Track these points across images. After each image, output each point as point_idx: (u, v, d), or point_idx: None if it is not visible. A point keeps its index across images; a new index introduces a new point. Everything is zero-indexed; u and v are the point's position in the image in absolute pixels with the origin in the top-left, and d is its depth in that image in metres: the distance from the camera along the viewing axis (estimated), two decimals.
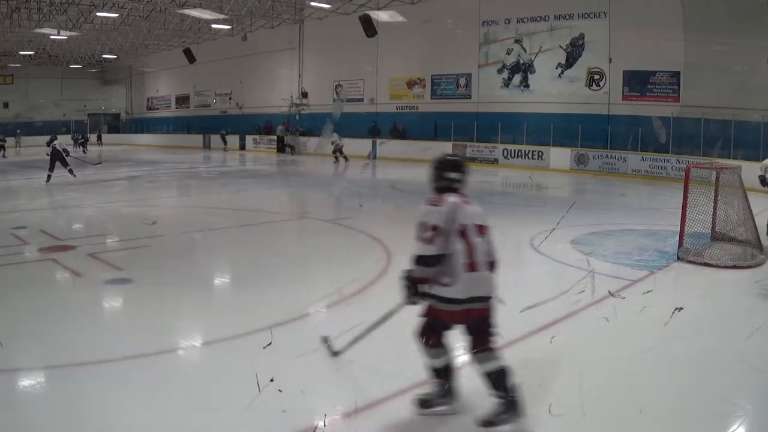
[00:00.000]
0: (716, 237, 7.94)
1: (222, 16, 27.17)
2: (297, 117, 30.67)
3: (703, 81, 17.81)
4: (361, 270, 6.76)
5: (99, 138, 38.41)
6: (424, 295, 3.41)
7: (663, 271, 7.00)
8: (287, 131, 30.20)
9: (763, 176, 9.60)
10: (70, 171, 15.95)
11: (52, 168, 15.55)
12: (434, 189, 3.46)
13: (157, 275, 6.80)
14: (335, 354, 3.99)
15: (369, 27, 24.29)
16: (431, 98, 25.91)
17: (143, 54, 38.09)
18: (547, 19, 21.92)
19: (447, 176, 3.44)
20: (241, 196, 15.03)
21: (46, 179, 15.38)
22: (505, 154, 22.30)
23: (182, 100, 39.79)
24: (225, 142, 33.39)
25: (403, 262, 7.26)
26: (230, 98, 35.65)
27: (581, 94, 21.16)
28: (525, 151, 21.78)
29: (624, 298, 5.75)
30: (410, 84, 26.65)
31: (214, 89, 36.58)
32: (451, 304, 3.29)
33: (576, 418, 3.43)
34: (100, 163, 20.99)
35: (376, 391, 3.73)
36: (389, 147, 25.51)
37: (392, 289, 6.22)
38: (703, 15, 17.65)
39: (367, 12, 24.67)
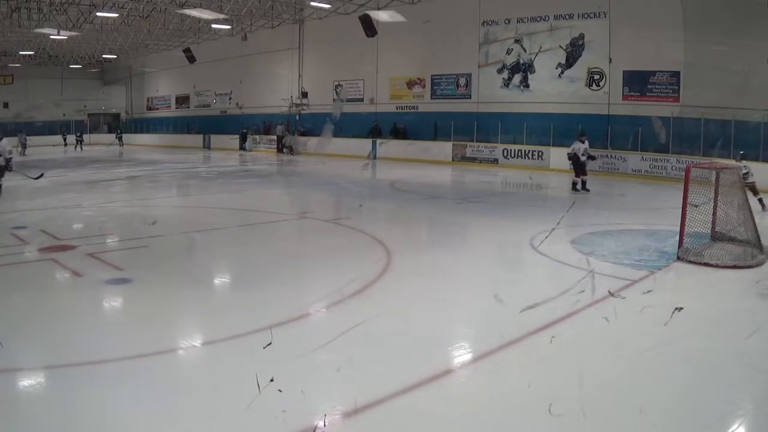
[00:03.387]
0: (716, 237, 7.94)
1: (222, 16, 27.17)
2: (297, 117, 30.68)
3: (703, 81, 17.81)
4: (361, 270, 6.77)
5: (119, 138, 37.51)
6: None
7: (663, 271, 7.00)
8: (287, 131, 30.20)
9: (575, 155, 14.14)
10: None
11: None
12: None
13: (157, 275, 6.80)
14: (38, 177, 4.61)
15: (369, 27, 24.29)
16: (431, 98, 25.90)
17: (143, 54, 38.10)
18: (547, 19, 21.92)
19: None
20: (241, 196, 15.03)
21: None
22: (505, 154, 22.30)
23: (182, 100, 39.79)
24: (245, 140, 32.64)
25: (403, 262, 7.32)
26: (230, 98, 35.65)
27: (581, 94, 21.16)
28: (525, 151, 21.78)
29: (624, 298, 5.75)
30: (410, 84, 26.64)
31: (214, 89, 36.58)
32: None
33: (576, 418, 3.43)
34: (40, 177, 14.88)
35: (376, 391, 3.72)
36: (389, 147, 25.52)
37: (392, 289, 6.27)
38: (703, 15, 17.65)
39: (367, 12, 24.67)
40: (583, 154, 14.30)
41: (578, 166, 14.37)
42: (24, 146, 31.04)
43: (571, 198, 13.61)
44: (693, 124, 17.93)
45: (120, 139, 37.64)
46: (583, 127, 20.20)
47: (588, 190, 14.38)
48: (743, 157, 12.32)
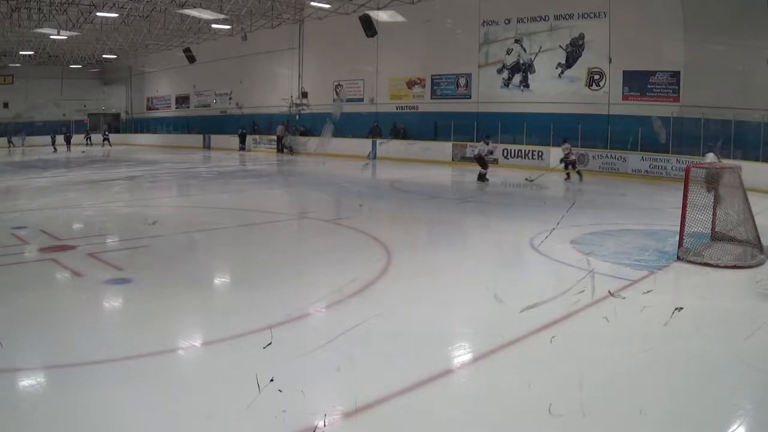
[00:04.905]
0: (716, 237, 7.94)
1: (222, 16, 27.16)
2: (297, 117, 30.67)
3: (703, 81, 17.81)
4: (361, 270, 6.76)
5: (89, 138, 37.04)
6: None
7: (663, 271, 7.00)
8: (287, 131, 30.20)
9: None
10: None
11: None
12: None
13: (157, 275, 6.80)
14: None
15: (369, 27, 24.30)
16: (431, 98, 25.90)
17: (143, 54, 38.07)
18: (547, 19, 21.92)
19: None
20: (241, 196, 15.03)
21: None
22: (505, 154, 22.29)
23: (182, 100, 39.79)
24: (244, 141, 32.72)
25: (403, 262, 7.32)
26: (230, 98, 35.65)
27: (581, 94, 21.16)
28: (525, 151, 21.78)
29: (624, 298, 5.75)
30: (410, 84, 26.64)
31: (214, 89, 36.57)
32: None
33: (576, 418, 3.43)
34: None
35: (376, 391, 3.72)
36: (389, 147, 25.52)
37: (392, 289, 6.27)
38: (703, 15, 17.65)
39: (367, 12, 24.67)
40: (485, 154, 17.18)
41: (482, 162, 17.13)
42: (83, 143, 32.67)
43: (571, 198, 13.62)
44: (693, 124, 17.93)
45: (105, 140, 36.40)
46: (583, 127, 20.41)
47: (487, 180, 17.07)
48: (565, 140, 18.25)
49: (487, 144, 17.50)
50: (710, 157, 14.31)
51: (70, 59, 38.67)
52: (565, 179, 17.94)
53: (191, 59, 33.02)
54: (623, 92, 20.26)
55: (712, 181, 10.39)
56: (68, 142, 33.49)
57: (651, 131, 18.76)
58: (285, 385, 3.61)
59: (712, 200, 7.86)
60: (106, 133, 37.17)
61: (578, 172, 17.85)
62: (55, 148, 32.67)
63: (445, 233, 10.07)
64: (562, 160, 18.10)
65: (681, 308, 5.18)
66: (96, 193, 14.45)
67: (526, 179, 17.28)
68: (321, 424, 3.28)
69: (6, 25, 27.03)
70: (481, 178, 17.09)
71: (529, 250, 8.21)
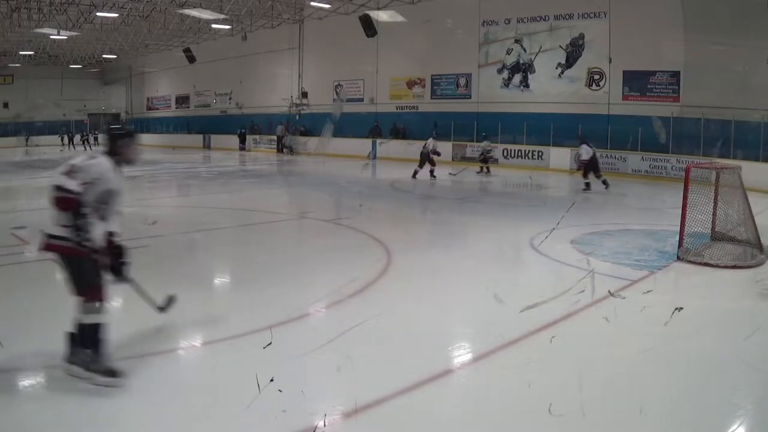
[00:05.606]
0: (716, 237, 7.94)
1: (222, 16, 27.18)
2: (297, 117, 30.68)
3: (703, 81, 17.83)
4: (361, 270, 6.76)
5: (83, 140, 34.65)
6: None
7: (663, 271, 6.99)
8: (287, 131, 30.21)
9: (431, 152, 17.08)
10: None
11: None
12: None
13: (157, 275, 6.78)
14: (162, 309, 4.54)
15: (369, 27, 24.32)
16: (431, 98, 25.92)
17: (143, 54, 38.09)
18: (547, 19, 21.93)
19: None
20: (241, 196, 15.03)
21: None
22: (505, 154, 22.30)
23: (182, 100, 39.80)
24: (244, 141, 32.79)
25: (403, 262, 7.32)
26: (230, 98, 35.67)
27: (581, 94, 21.17)
28: (525, 151, 21.79)
29: (624, 298, 5.75)
30: (410, 84, 26.66)
31: (214, 89, 36.59)
32: None
33: (576, 418, 3.43)
34: None
35: (376, 391, 3.72)
36: (389, 147, 25.52)
37: (392, 289, 6.26)
38: (703, 15, 17.66)
39: (367, 12, 24.68)
40: (432, 151, 17.16)
41: (428, 160, 17.10)
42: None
43: (571, 198, 13.62)
44: (693, 124, 17.94)
45: (95, 138, 33.69)
46: (583, 128, 20.38)
47: (435, 177, 17.33)
48: (486, 138, 20.44)
49: (436, 138, 17.99)
50: (584, 148, 14.50)
51: (70, 59, 38.68)
52: (478, 172, 19.54)
53: (191, 59, 33.07)
54: (623, 92, 20.27)
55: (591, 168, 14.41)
56: (72, 141, 34.37)
57: (651, 131, 18.78)
58: (285, 385, 3.61)
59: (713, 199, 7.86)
60: (96, 132, 37.02)
61: (488, 168, 19.55)
62: (74, 146, 33.33)
63: (445, 233, 10.06)
64: (481, 156, 19.97)
65: (681, 308, 5.18)
66: None
67: (449, 173, 18.23)
68: (321, 424, 3.28)
69: (6, 25, 27.05)
70: (415, 175, 17.21)
71: (529, 250, 8.20)
